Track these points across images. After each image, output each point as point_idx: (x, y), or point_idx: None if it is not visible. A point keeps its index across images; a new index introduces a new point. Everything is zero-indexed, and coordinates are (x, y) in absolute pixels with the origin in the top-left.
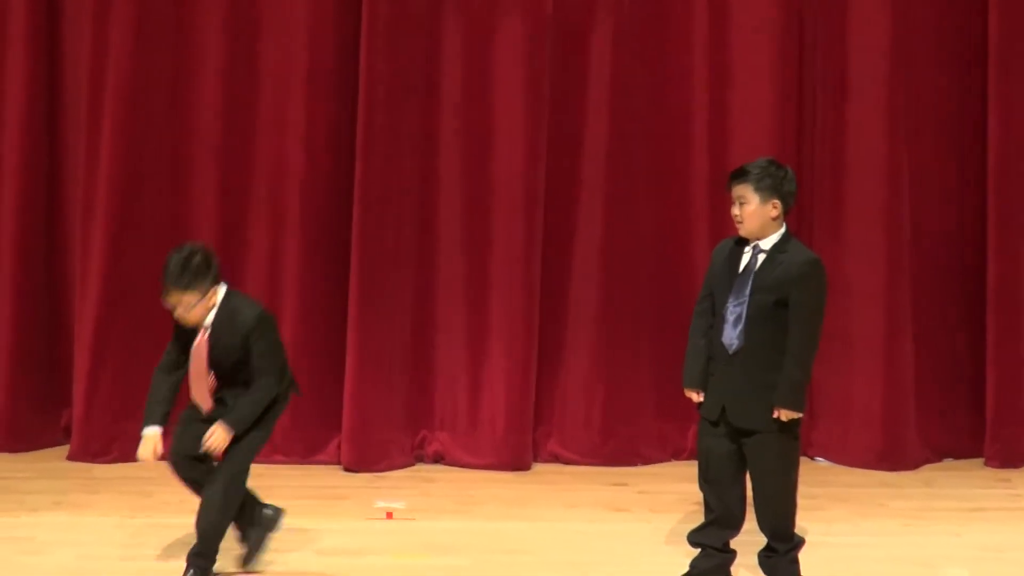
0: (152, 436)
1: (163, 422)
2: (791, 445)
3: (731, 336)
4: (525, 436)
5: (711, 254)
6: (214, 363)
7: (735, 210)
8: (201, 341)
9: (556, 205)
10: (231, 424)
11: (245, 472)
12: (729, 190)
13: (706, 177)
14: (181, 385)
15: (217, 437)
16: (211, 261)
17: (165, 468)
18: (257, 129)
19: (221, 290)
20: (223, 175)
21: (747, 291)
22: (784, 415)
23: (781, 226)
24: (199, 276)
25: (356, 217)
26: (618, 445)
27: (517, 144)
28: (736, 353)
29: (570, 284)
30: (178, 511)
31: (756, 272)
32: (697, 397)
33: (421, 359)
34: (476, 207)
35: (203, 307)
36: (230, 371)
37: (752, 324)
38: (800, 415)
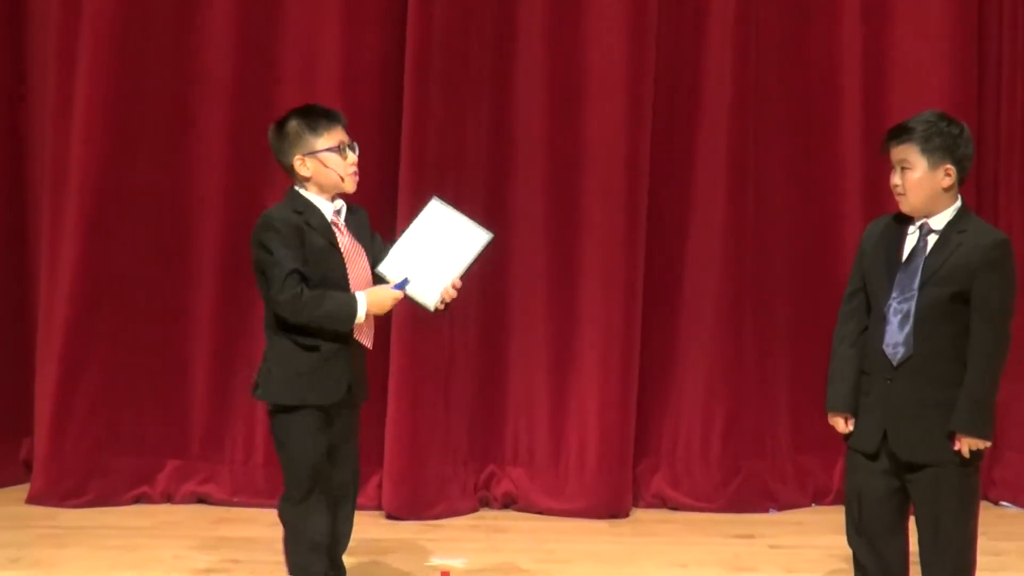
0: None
1: None
2: (972, 484)
3: (895, 342)
4: (623, 473)
5: (860, 238)
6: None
7: (895, 179)
8: (348, 236)
9: (665, 177)
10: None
11: None
12: (886, 153)
13: (859, 138)
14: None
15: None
16: None
17: (159, 514)
18: (283, 74)
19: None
20: (238, 135)
21: (915, 283)
22: (966, 444)
23: (955, 199)
24: None
25: (402, 187)
26: (744, 485)
27: (615, 100)
28: (902, 364)
29: (683, 278)
30: (171, 569)
31: (927, 258)
32: (845, 425)
33: (488, 373)
34: (562, 181)
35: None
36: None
37: (923, 326)
38: (987, 444)
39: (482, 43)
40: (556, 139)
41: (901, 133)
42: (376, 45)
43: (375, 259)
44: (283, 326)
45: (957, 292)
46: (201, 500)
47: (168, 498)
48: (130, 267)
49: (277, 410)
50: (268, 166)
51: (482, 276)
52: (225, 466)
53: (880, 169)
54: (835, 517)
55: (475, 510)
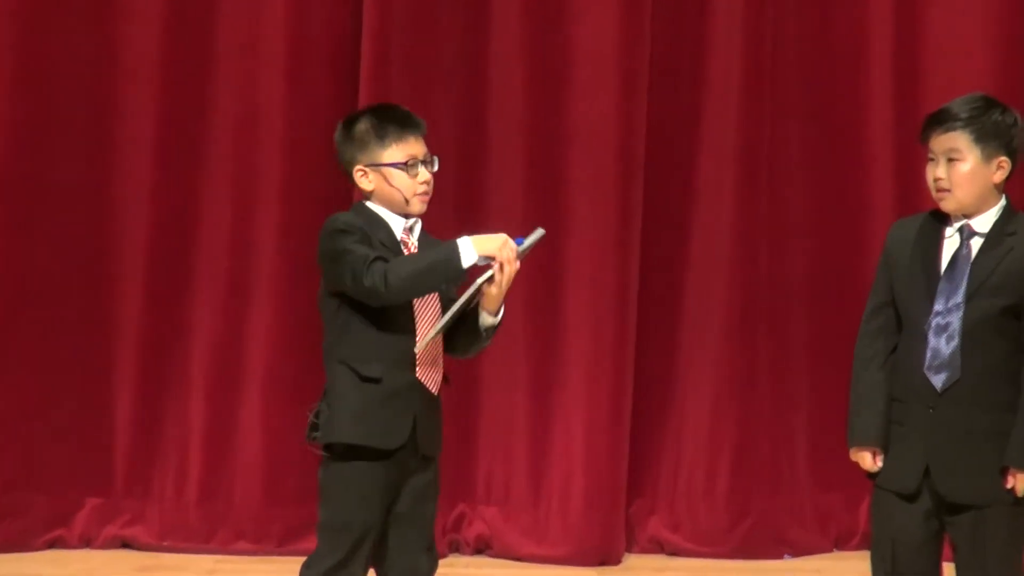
0: None
1: None
2: (1021, 525)
3: (939, 364)
4: (615, 514)
5: (884, 243)
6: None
7: (937, 171)
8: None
9: (664, 168)
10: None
11: None
12: (926, 143)
13: (889, 127)
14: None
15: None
16: None
17: (75, 561)
18: (218, 51)
19: None
20: (167, 121)
21: (961, 295)
22: (1021, 481)
23: (1001, 197)
24: None
25: None
26: (755, 527)
27: (605, 80)
28: (948, 389)
29: (685, 284)
30: None
31: (973, 265)
32: (872, 462)
33: (457, 396)
34: (544, 173)
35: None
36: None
37: (972, 344)
38: None
39: (451, 17)
40: (537, 125)
41: (948, 119)
42: (329, 20)
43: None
44: (342, 355)
45: (1008, 305)
46: (125, 544)
47: (87, 542)
48: (43, 275)
49: (333, 455)
50: (201, 156)
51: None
52: (153, 505)
53: (914, 160)
54: (860, 564)
55: (443, 556)
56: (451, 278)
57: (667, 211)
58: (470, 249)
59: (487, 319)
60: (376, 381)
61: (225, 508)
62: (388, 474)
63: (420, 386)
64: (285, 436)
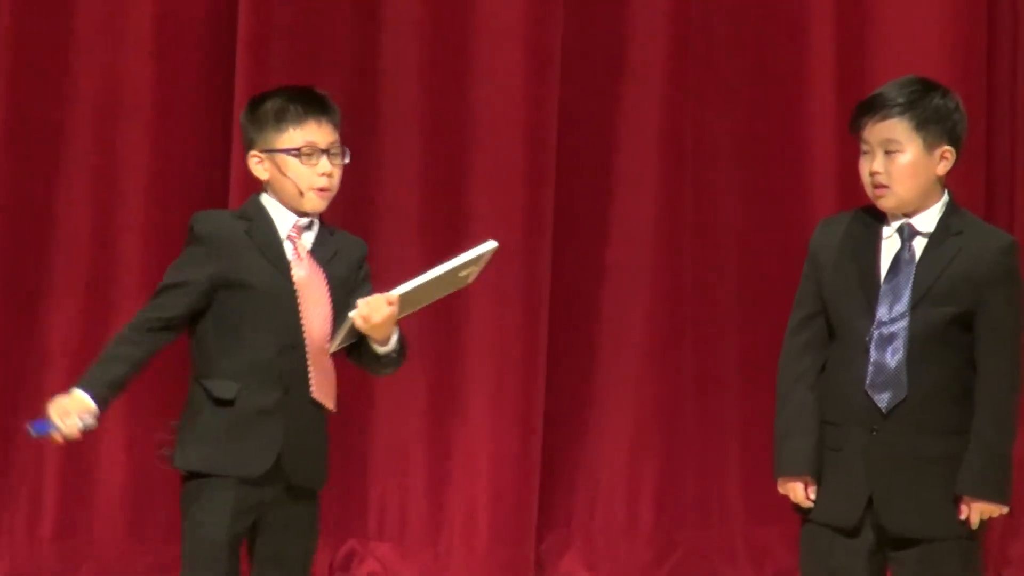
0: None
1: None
2: (977, 561)
3: (883, 380)
4: (524, 549)
5: (809, 245)
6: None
7: (874, 165)
8: (311, 263)
9: (578, 161)
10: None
11: None
12: (858, 133)
13: (832, 115)
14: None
15: None
16: None
17: None
18: (76, 29)
19: None
20: (22, 106)
21: (905, 302)
22: (976, 511)
23: (943, 192)
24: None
25: (235, 180)
26: (682, 564)
27: (511, 58)
28: (894, 409)
29: (601, 295)
30: None
31: (917, 269)
32: (803, 494)
33: (345, 419)
34: (441, 166)
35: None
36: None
37: (919, 358)
38: (1004, 510)
39: None
40: (434, 111)
41: (883, 105)
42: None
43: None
44: (197, 371)
45: (959, 313)
46: None
47: None
48: None
49: (187, 478)
50: (58, 146)
51: None
52: (2, 539)
53: (857, 153)
54: None
55: None
56: None
57: (581, 211)
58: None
59: (377, 347)
60: (229, 403)
61: (85, 544)
62: (245, 497)
63: (293, 406)
64: (153, 462)
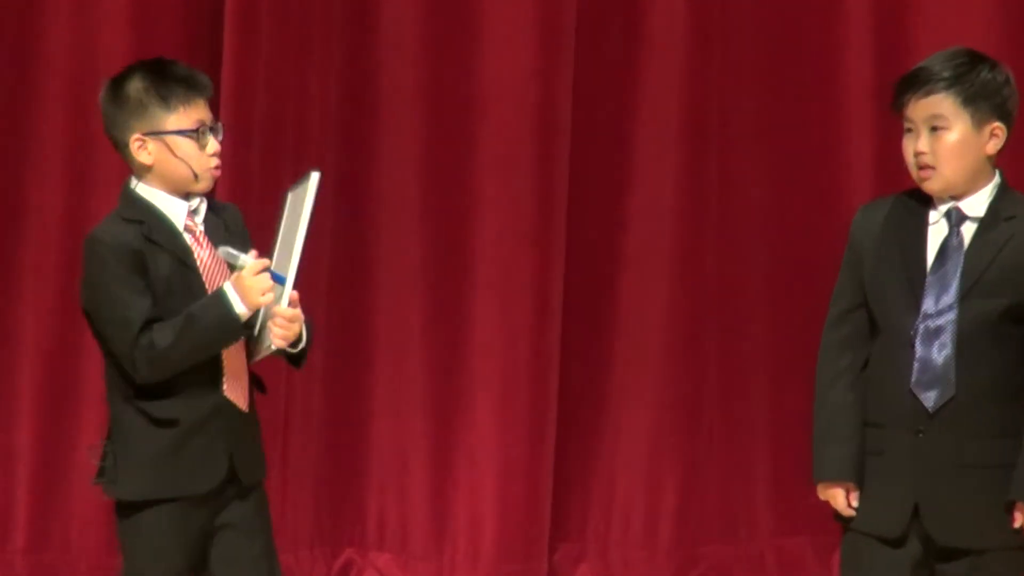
0: None
1: None
2: None
3: (929, 378)
4: (536, 563)
5: (850, 232)
6: None
7: (919, 144)
8: (209, 247)
9: (592, 142)
10: None
11: None
12: (901, 111)
13: (868, 91)
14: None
15: None
16: None
17: None
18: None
19: None
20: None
21: (953, 292)
22: None
23: (995, 173)
24: None
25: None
26: None
27: (522, 33)
28: (941, 409)
29: (619, 287)
30: None
31: (966, 257)
32: (844, 501)
33: (342, 423)
34: (446, 147)
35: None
36: None
37: (967, 354)
38: None
39: None
40: (438, 89)
41: (928, 79)
42: None
43: None
44: (128, 392)
45: (1011, 305)
46: None
47: None
48: None
49: (123, 507)
50: (27, 130)
51: (331, 282)
52: None
53: (900, 131)
54: None
55: None
56: (232, 337)
57: (598, 196)
58: (235, 296)
59: (290, 350)
60: (173, 423)
61: (59, 557)
62: (194, 518)
63: (230, 406)
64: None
